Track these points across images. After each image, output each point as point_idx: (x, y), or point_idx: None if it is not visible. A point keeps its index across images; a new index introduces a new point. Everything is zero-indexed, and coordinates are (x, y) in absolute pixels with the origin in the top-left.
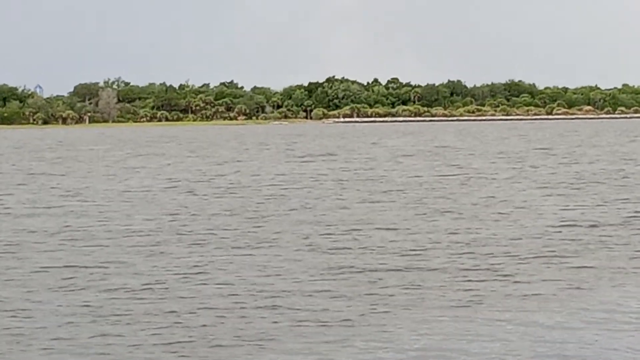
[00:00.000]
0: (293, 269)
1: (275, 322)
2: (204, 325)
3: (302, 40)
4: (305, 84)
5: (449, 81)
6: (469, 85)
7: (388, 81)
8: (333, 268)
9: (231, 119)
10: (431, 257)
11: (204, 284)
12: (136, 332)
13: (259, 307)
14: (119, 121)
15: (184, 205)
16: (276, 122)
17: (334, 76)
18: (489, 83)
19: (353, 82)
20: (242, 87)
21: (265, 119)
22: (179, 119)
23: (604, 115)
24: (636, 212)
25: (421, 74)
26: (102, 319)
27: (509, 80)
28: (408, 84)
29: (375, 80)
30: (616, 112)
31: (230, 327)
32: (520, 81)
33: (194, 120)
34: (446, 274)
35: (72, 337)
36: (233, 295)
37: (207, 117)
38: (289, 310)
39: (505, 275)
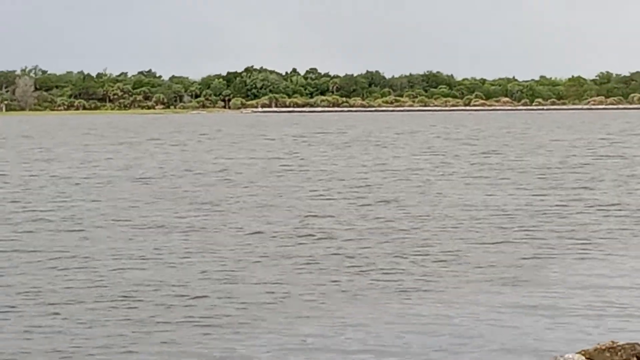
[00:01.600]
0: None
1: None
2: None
3: (221, 30)
4: (224, 74)
5: (367, 72)
6: (388, 76)
7: (307, 71)
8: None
9: (149, 108)
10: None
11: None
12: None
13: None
14: (36, 109)
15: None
16: (194, 112)
17: (252, 66)
18: (408, 74)
19: (272, 72)
20: (160, 77)
21: (184, 108)
22: (96, 108)
23: (521, 107)
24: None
25: (340, 64)
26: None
27: (427, 72)
28: (327, 75)
29: (294, 71)
30: (533, 103)
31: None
32: (438, 72)
33: (112, 109)
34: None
35: None
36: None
37: (125, 106)
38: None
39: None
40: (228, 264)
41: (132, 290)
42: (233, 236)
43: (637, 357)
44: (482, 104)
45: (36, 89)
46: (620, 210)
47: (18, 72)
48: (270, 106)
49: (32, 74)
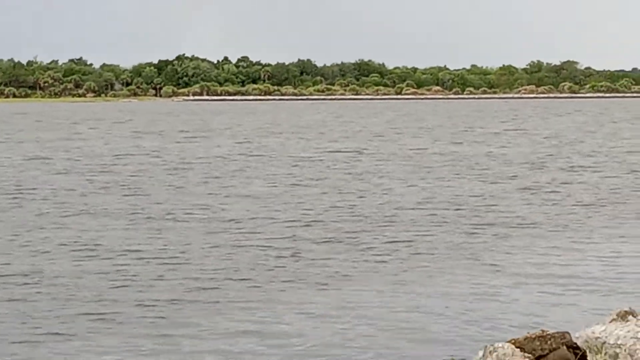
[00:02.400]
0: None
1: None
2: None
3: (152, 18)
4: (155, 62)
5: (299, 60)
6: (319, 64)
7: (238, 60)
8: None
9: (80, 95)
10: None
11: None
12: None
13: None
14: None
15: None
16: (125, 100)
17: (184, 54)
18: (339, 63)
19: (203, 60)
20: (91, 65)
21: (115, 96)
22: (27, 96)
23: (452, 96)
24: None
25: (271, 53)
26: None
27: (359, 60)
28: (258, 63)
29: (226, 59)
30: (465, 92)
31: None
32: (370, 61)
33: (42, 97)
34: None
35: None
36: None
37: (56, 94)
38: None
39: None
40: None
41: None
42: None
43: (566, 345)
44: (414, 93)
45: None
46: (554, 199)
47: None
48: (201, 94)
49: None
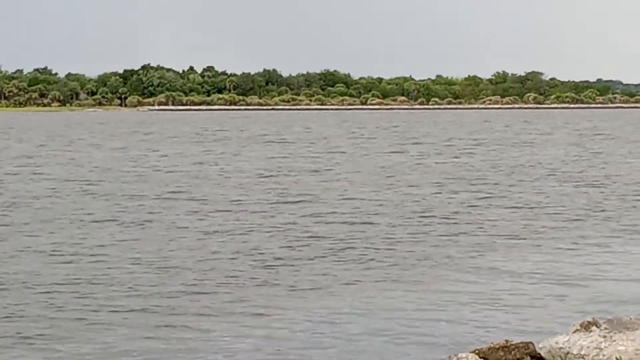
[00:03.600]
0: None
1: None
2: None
3: (118, 28)
4: (121, 71)
5: (264, 70)
6: (285, 74)
7: (204, 69)
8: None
9: (45, 105)
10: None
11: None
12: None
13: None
14: None
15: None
16: (90, 109)
17: (149, 64)
18: (305, 73)
19: (169, 70)
20: (56, 74)
21: (80, 105)
22: None
23: (417, 106)
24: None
25: (237, 63)
26: None
27: (325, 70)
28: (224, 73)
29: (191, 69)
30: (430, 102)
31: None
32: (335, 71)
33: (7, 107)
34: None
35: None
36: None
37: (21, 104)
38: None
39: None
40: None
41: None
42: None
43: (530, 355)
44: (379, 103)
45: None
46: (518, 208)
47: None
48: (167, 104)
49: None
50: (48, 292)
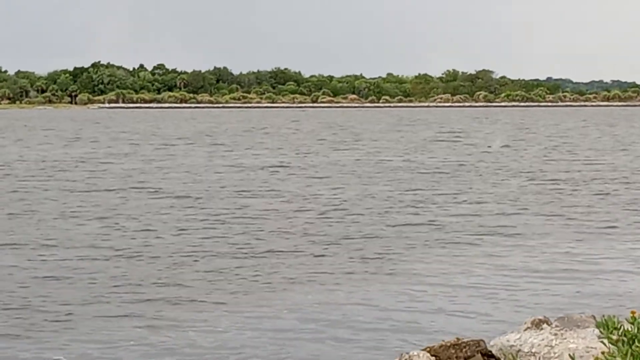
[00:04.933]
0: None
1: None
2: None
3: (68, 25)
4: (71, 69)
5: (215, 68)
6: (235, 72)
7: (154, 67)
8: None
9: None
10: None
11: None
12: None
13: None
14: None
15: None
16: (40, 107)
17: (99, 61)
18: (255, 71)
19: (119, 67)
20: (5, 71)
21: (30, 103)
22: None
23: (368, 104)
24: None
25: (187, 60)
26: None
27: (275, 68)
28: (174, 70)
29: (141, 66)
30: (380, 100)
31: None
32: (286, 69)
33: None
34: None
35: None
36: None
37: None
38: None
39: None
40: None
41: None
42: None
43: (481, 353)
44: (330, 101)
45: None
46: (470, 209)
47: None
48: (117, 102)
49: None
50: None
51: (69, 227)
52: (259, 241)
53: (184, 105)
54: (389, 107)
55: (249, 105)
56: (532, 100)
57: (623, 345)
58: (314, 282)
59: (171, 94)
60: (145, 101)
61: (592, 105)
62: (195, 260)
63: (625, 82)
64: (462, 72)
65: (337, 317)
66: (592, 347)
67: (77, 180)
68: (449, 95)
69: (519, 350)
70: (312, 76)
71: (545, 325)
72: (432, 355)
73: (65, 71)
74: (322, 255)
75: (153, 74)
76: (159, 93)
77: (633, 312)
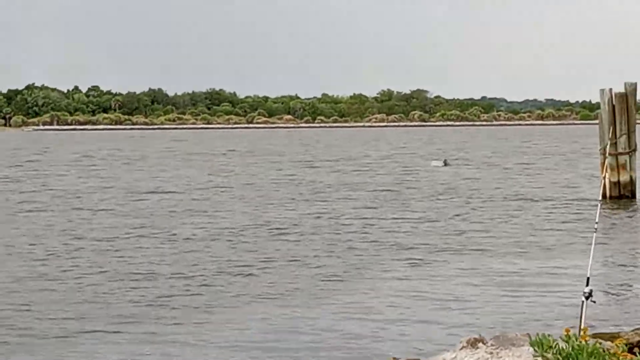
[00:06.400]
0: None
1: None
2: None
3: (1, 47)
4: (5, 91)
5: (150, 89)
6: (170, 93)
7: (89, 89)
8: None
9: None
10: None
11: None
12: None
13: None
14: None
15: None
16: None
17: (33, 83)
18: (190, 92)
19: (53, 89)
20: None
21: None
22: None
23: (303, 125)
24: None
25: (122, 82)
26: None
27: (210, 89)
28: (109, 92)
29: (76, 88)
30: (316, 121)
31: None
32: (221, 90)
33: None
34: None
35: None
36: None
37: None
38: None
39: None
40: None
41: None
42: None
43: None
44: (265, 122)
45: None
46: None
47: None
48: (52, 124)
49: None
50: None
51: None
52: (212, 260)
53: (119, 127)
54: (324, 127)
55: (184, 126)
56: (467, 120)
57: None
58: (247, 304)
59: (106, 115)
60: (80, 123)
61: (527, 124)
62: (147, 280)
63: (559, 101)
64: (397, 92)
65: (284, 331)
66: None
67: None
68: (384, 115)
69: None
70: (247, 97)
71: (480, 344)
72: None
73: None
74: (252, 275)
75: (88, 96)
76: (93, 115)
77: (567, 330)
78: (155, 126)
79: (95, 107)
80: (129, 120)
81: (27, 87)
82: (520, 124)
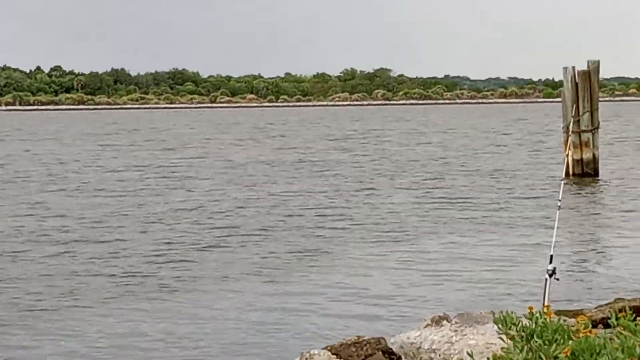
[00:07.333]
0: None
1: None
2: None
3: None
4: None
5: (112, 69)
6: (133, 73)
7: (51, 69)
8: None
9: None
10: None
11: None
12: None
13: None
14: None
15: None
16: None
17: None
18: (153, 71)
19: (15, 69)
20: None
21: None
22: None
23: (267, 104)
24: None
25: (85, 61)
26: None
27: (173, 69)
28: (72, 72)
29: (38, 68)
30: (279, 100)
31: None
32: (184, 70)
33: None
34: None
35: None
36: None
37: None
38: None
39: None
40: None
41: None
42: None
43: (382, 351)
44: (228, 101)
45: None
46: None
47: None
48: (14, 104)
49: None
50: None
51: None
52: (184, 236)
53: (82, 107)
54: (287, 106)
55: (147, 106)
56: (430, 98)
57: (521, 340)
58: (213, 284)
59: (68, 95)
60: (43, 103)
61: (490, 103)
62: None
63: (522, 79)
64: (360, 71)
65: (230, 320)
66: (491, 343)
67: None
68: (347, 93)
69: (419, 348)
70: (210, 76)
71: (445, 322)
72: (333, 354)
73: None
74: (227, 257)
75: (50, 76)
76: (56, 95)
77: (530, 308)
78: (118, 106)
79: (58, 87)
80: (92, 100)
81: None
82: (483, 102)
